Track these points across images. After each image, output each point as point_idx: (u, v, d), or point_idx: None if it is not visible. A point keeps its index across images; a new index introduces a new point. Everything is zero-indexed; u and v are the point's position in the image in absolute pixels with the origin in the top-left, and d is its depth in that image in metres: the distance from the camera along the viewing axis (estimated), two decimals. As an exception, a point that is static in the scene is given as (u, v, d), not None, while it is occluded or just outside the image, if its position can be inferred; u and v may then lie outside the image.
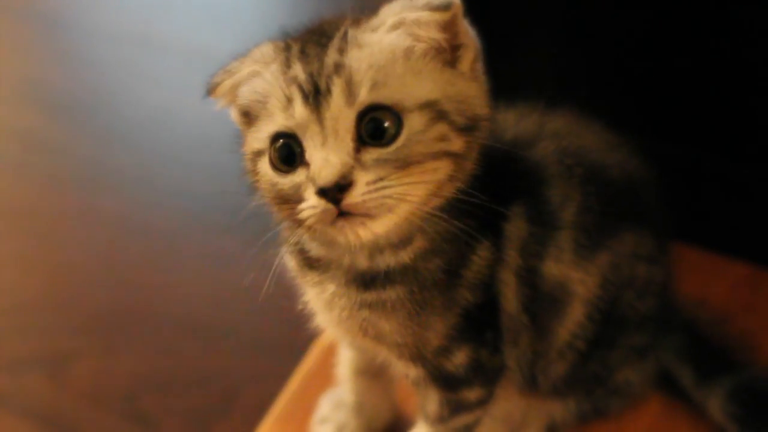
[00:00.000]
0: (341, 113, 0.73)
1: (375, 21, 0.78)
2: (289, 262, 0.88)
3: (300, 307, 0.91)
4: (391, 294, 0.82)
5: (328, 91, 0.74)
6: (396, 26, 0.76)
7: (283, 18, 1.92)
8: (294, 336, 1.06)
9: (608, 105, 0.99)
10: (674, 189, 1.02)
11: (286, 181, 0.76)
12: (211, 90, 0.82)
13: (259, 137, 0.78)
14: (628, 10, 1.23)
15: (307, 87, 0.74)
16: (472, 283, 0.84)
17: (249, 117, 0.80)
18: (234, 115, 0.83)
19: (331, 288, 0.84)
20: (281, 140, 0.76)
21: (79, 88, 2.00)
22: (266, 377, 1.34)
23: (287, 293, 0.90)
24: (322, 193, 0.73)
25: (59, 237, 1.68)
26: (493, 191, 0.80)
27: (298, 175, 0.76)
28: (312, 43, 0.77)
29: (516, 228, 0.86)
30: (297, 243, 0.84)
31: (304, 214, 0.75)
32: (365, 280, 0.83)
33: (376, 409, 1.07)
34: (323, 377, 1.13)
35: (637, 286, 0.96)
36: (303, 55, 0.77)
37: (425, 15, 0.76)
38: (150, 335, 1.48)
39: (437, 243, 0.81)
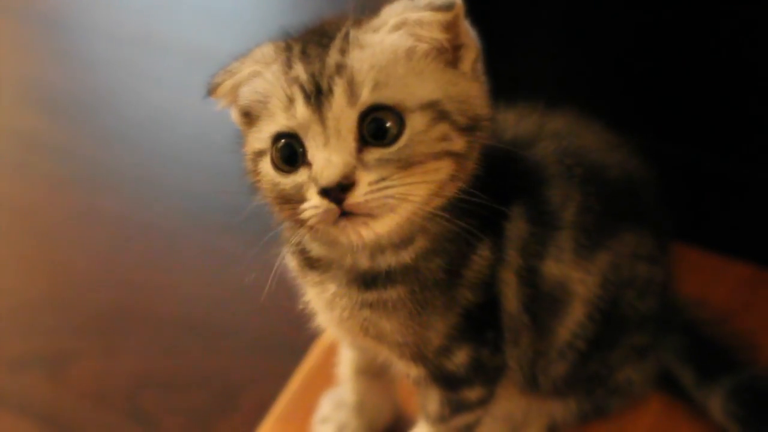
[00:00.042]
0: (343, 113, 0.73)
1: (377, 21, 0.78)
2: (290, 262, 0.88)
3: (301, 307, 0.91)
4: (392, 294, 0.82)
5: (330, 91, 0.74)
6: (398, 26, 0.76)
7: (283, 18, 1.93)
8: (295, 336, 1.06)
9: (608, 105, 0.99)
10: (674, 189, 1.02)
11: (288, 181, 0.76)
12: (211, 90, 0.82)
13: (261, 137, 0.78)
14: (628, 10, 1.23)
15: (308, 87, 0.74)
16: (473, 283, 0.84)
17: (250, 117, 0.80)
18: (234, 115, 0.83)
19: (332, 288, 0.85)
20: (283, 140, 0.76)
21: (79, 88, 1.99)
22: (267, 377, 1.34)
23: (288, 293, 0.90)
24: (325, 193, 0.73)
25: (59, 237, 1.67)
26: (493, 191, 0.80)
27: (300, 175, 0.76)
28: (313, 43, 0.77)
29: (516, 228, 0.86)
30: (298, 243, 0.84)
31: (306, 214, 0.75)
32: (366, 280, 0.83)
33: (377, 409, 1.07)
34: (324, 377, 1.13)
35: (638, 286, 0.96)
36: (304, 55, 0.76)
37: (427, 15, 0.76)
38: (150, 335, 1.47)
39: (438, 243, 0.81)
